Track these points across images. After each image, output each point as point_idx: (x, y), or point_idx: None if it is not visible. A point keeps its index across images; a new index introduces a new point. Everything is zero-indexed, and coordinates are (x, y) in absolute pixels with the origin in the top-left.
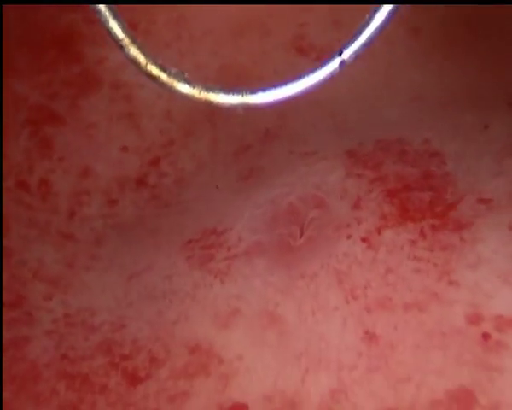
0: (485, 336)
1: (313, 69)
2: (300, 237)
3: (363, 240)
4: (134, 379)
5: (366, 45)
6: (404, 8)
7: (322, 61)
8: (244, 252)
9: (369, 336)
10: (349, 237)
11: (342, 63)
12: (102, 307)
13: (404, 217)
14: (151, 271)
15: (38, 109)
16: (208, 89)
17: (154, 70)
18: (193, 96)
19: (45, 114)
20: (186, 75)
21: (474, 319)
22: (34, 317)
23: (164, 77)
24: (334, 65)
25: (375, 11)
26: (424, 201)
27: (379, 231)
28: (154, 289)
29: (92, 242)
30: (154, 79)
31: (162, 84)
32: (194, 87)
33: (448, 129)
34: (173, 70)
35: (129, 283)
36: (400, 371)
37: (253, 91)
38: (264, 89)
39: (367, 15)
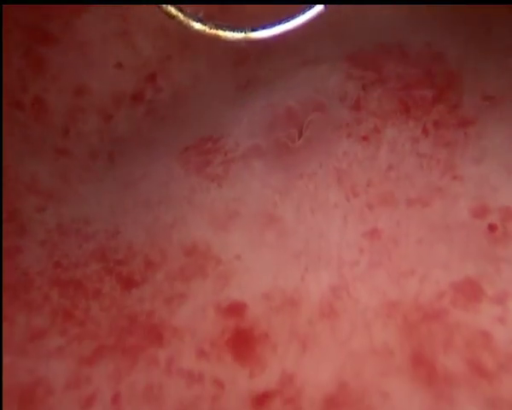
0: (492, 227)
1: (303, 10)
2: (299, 139)
3: (364, 138)
4: (129, 283)
5: None
6: None
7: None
8: (241, 156)
9: (371, 232)
10: (349, 136)
11: (326, 6)
12: (97, 217)
13: (406, 115)
14: (147, 179)
15: (32, 29)
16: (217, 26)
17: (172, 10)
18: (204, 31)
19: (39, 34)
20: (199, 15)
21: (480, 211)
22: (27, 228)
23: (181, 16)
24: (319, 7)
25: None
26: (426, 99)
27: (380, 130)
28: (150, 197)
29: (87, 156)
30: (173, 17)
31: (179, 22)
32: (205, 25)
33: (450, 33)
34: (188, 11)
35: (124, 192)
36: (403, 266)
37: (255, 29)
38: (263, 26)
39: None
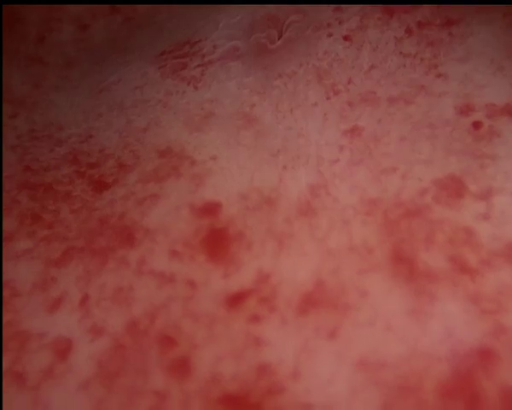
0: (477, 124)
1: None
2: (278, 40)
3: (346, 38)
4: (100, 186)
5: None
6: None
7: None
8: (219, 58)
9: (352, 130)
10: (330, 35)
11: None
12: (70, 122)
13: (389, 15)
14: (122, 84)
15: None
16: None
17: None
18: None
19: None
20: None
21: (465, 109)
22: None
23: None
24: None
25: None
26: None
27: (362, 29)
28: (123, 100)
29: (62, 64)
30: None
31: None
32: None
33: None
34: None
35: (98, 96)
36: (385, 163)
37: None
38: None
39: None
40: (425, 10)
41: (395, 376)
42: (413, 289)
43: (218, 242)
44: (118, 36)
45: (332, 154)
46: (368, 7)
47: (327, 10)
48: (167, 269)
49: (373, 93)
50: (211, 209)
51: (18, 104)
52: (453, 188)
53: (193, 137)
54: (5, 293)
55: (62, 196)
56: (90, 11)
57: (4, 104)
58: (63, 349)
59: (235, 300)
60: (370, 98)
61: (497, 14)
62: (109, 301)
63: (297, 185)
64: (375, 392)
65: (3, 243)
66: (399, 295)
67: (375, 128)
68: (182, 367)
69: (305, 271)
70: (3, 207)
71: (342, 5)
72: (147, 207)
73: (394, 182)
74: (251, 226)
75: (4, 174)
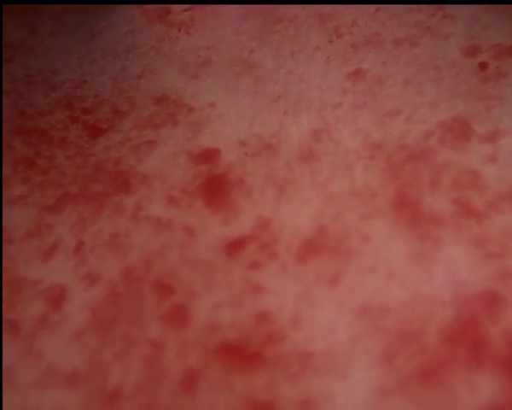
0: (483, 65)
1: None
2: None
3: None
4: (95, 131)
5: None
6: None
7: None
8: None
9: (355, 73)
10: None
11: None
12: (65, 67)
13: None
14: (112, 28)
15: None
16: None
17: None
18: None
19: None
20: None
21: (471, 49)
22: None
23: None
24: None
25: None
26: None
27: None
28: (116, 46)
29: (58, 12)
30: None
31: None
32: None
33: None
34: None
35: (92, 41)
36: (389, 106)
37: None
38: None
39: None
40: None
41: (397, 321)
42: (417, 234)
43: (216, 188)
44: None
45: (335, 98)
46: None
47: None
48: (164, 215)
49: (377, 35)
50: (209, 156)
51: (13, 49)
52: (459, 130)
53: (190, 84)
54: None
55: (57, 142)
56: None
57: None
58: (57, 297)
59: (234, 246)
60: (375, 40)
61: None
62: (104, 247)
63: (298, 130)
64: (376, 338)
65: None
66: (403, 240)
67: (380, 71)
68: (179, 316)
69: (306, 216)
70: None
71: None
72: (143, 153)
73: (398, 125)
74: (250, 173)
75: None
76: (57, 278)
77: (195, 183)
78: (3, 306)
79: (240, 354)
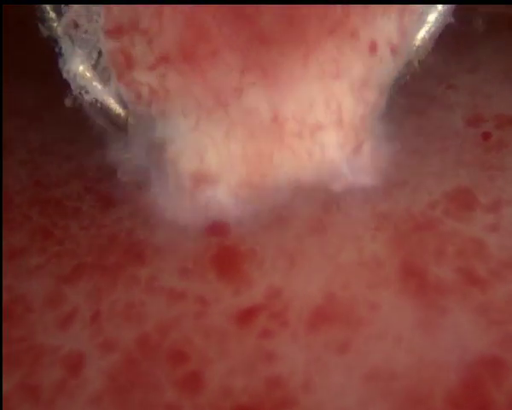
0: (486, 135)
1: None
2: None
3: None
4: (107, 202)
5: None
6: None
7: None
8: None
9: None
10: None
11: None
12: (78, 136)
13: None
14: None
15: None
16: None
17: None
18: None
19: None
20: None
21: (474, 120)
22: (9, 149)
23: None
24: None
25: None
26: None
27: None
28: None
29: None
30: None
31: None
32: None
33: None
34: None
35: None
36: (396, 177)
37: None
38: None
39: None
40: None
41: (404, 386)
42: (423, 302)
43: (227, 259)
44: None
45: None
46: None
47: None
48: (177, 286)
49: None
50: (220, 227)
51: (29, 117)
52: (463, 200)
53: None
54: (18, 308)
55: (72, 212)
56: None
57: (17, 117)
58: (75, 364)
59: (247, 315)
60: (383, 112)
61: (502, 23)
62: (120, 317)
63: (308, 202)
64: (384, 403)
65: (15, 259)
66: (410, 308)
67: (388, 142)
68: (193, 381)
69: (316, 286)
70: (15, 222)
71: None
72: (155, 225)
73: (405, 195)
74: (261, 244)
75: (16, 189)
76: (75, 345)
77: (207, 254)
78: (24, 371)
79: None
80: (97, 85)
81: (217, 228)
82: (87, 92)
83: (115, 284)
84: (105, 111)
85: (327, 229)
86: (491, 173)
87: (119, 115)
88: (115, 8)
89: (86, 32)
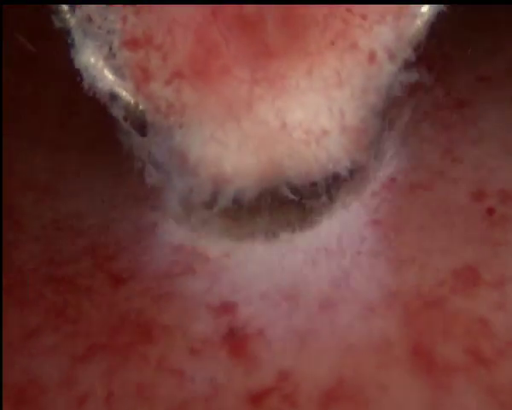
0: (490, 211)
1: None
2: None
3: None
4: (118, 280)
5: None
6: None
7: None
8: None
9: (374, 221)
10: None
11: None
12: (89, 212)
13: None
14: (134, 172)
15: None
16: None
17: None
18: None
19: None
20: None
21: (479, 194)
22: (23, 224)
23: None
24: None
25: None
26: (425, 81)
27: None
28: (137, 191)
29: (83, 149)
30: None
31: None
32: None
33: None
34: None
35: (115, 186)
36: (404, 254)
37: None
38: None
39: None
40: (438, 91)
41: None
42: (431, 383)
43: (237, 340)
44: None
45: (353, 245)
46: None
47: None
48: (187, 367)
49: (393, 180)
50: (228, 308)
51: (42, 191)
52: (469, 277)
53: (203, 234)
54: (32, 390)
55: (84, 291)
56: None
57: (29, 191)
58: None
59: (257, 397)
60: (391, 186)
61: (505, 93)
62: (132, 398)
63: (318, 280)
64: None
65: (30, 338)
66: (418, 389)
67: (396, 217)
68: None
69: (326, 367)
70: (30, 301)
71: None
72: (163, 304)
73: (413, 273)
74: (271, 324)
75: (30, 267)
76: None
77: (216, 335)
78: None
79: None
80: (109, 76)
81: (225, 308)
82: (100, 82)
83: (127, 365)
84: (119, 102)
85: (336, 307)
86: (495, 249)
87: (133, 106)
88: (130, 20)
89: (100, 27)
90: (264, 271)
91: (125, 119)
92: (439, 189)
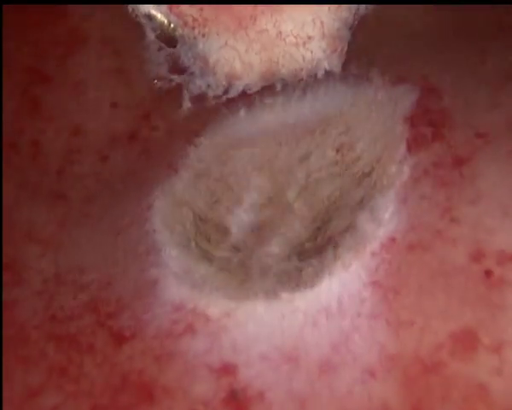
0: (488, 273)
1: None
2: None
3: None
4: (119, 338)
5: None
6: None
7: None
8: None
9: (373, 283)
10: None
11: None
12: (91, 266)
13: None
14: (136, 225)
15: (27, 70)
16: None
17: None
18: None
19: (34, 75)
20: None
21: (477, 255)
22: (25, 278)
23: None
24: None
25: None
26: (426, 137)
27: None
28: (137, 245)
29: (84, 199)
30: None
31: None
32: None
33: (444, 62)
34: None
35: (116, 239)
36: (403, 316)
37: None
38: None
39: None
40: (437, 148)
41: None
42: None
43: (237, 402)
44: (136, 168)
45: (352, 307)
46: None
47: None
48: None
49: (393, 240)
50: (229, 370)
51: (44, 244)
52: (467, 341)
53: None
54: None
55: (86, 349)
56: (109, 140)
57: (31, 244)
58: None
59: None
60: (390, 245)
61: (502, 150)
62: None
63: (318, 341)
64: None
65: (33, 398)
66: None
67: (395, 278)
68: None
69: None
70: (32, 359)
71: None
72: (164, 364)
73: (412, 337)
74: (271, 387)
75: (32, 324)
76: None
77: (217, 397)
78: None
79: None
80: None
81: (226, 369)
82: (141, 7)
83: None
84: (154, 22)
85: (336, 370)
86: (493, 313)
87: (166, 24)
88: None
89: None
90: (264, 332)
91: (158, 36)
92: (437, 249)
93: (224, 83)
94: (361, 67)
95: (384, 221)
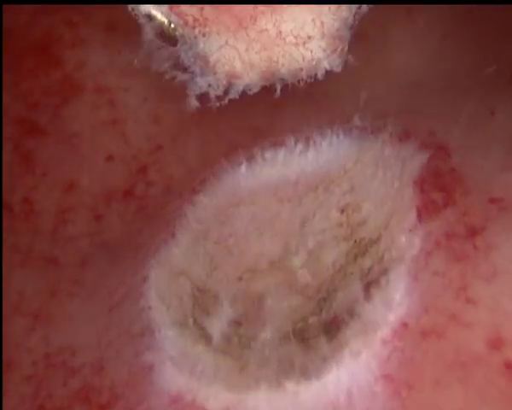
0: (508, 365)
1: None
2: None
3: None
4: None
5: None
6: None
7: None
8: None
9: (384, 376)
10: None
11: None
12: (83, 346)
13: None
14: (128, 301)
15: (19, 122)
16: None
17: None
18: None
19: (26, 126)
20: None
21: (496, 343)
22: (13, 360)
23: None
24: None
25: None
26: (436, 204)
27: None
28: (131, 325)
29: (77, 264)
30: None
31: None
32: None
33: (451, 117)
34: None
35: (109, 315)
36: None
37: None
38: None
39: None
40: (449, 216)
41: None
42: None
43: None
44: (132, 228)
45: (364, 402)
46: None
47: None
48: None
49: (405, 325)
50: None
51: (33, 318)
52: None
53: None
54: None
55: None
56: (104, 197)
57: (20, 317)
58: None
59: None
60: (403, 332)
61: None
62: None
63: None
64: None
65: None
66: None
67: (408, 371)
68: None
69: None
70: None
71: None
72: None
73: None
74: None
75: None
76: None
77: None
78: None
79: None
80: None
81: None
82: (141, 7)
83: None
84: (154, 22)
85: None
86: None
87: (166, 24)
88: None
89: None
90: None
91: (159, 35)
92: (453, 335)
93: (224, 82)
94: (364, 119)
95: (395, 303)
